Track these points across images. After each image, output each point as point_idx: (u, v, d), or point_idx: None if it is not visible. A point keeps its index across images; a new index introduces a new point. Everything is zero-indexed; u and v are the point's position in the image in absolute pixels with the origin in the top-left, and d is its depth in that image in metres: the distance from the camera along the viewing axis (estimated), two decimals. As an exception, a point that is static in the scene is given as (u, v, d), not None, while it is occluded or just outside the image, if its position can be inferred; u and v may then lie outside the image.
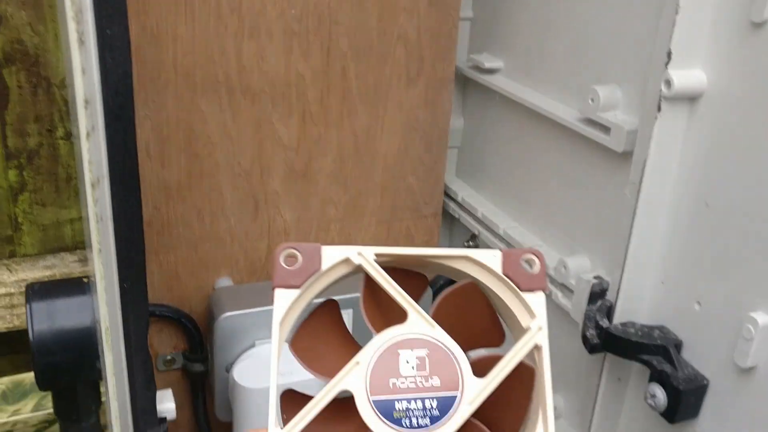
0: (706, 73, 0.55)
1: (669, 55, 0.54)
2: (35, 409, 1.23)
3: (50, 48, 1.06)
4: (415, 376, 0.29)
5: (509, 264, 0.31)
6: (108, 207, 0.41)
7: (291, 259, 0.29)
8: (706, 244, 0.57)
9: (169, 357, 0.84)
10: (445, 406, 0.28)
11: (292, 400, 0.28)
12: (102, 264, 0.43)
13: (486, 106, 0.87)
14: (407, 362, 0.29)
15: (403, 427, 0.28)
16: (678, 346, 0.59)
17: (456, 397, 0.29)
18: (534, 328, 0.31)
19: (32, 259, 1.16)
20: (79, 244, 1.19)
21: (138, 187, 0.44)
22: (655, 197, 0.59)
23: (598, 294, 0.65)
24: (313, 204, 0.81)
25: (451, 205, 0.93)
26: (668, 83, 0.55)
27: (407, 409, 0.28)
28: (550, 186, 0.76)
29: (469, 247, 0.92)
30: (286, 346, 0.29)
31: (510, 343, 0.31)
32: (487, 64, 0.82)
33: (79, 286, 0.71)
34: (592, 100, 0.65)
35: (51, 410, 0.80)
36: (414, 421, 0.28)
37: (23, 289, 1.11)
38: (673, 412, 0.58)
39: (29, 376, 1.05)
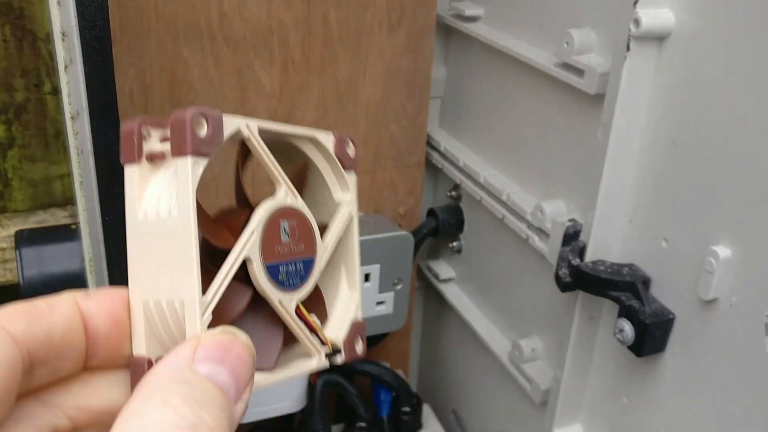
0: (674, 13, 0.56)
1: (638, -5, 0.55)
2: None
3: (35, 0, 1.06)
4: (290, 244, 0.32)
5: (339, 146, 0.35)
6: (88, 140, 0.43)
7: (199, 126, 0.28)
8: (674, 183, 0.59)
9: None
10: (307, 267, 0.33)
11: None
12: (84, 196, 0.44)
13: (468, 55, 0.87)
14: (285, 231, 0.32)
15: (284, 287, 0.31)
16: (646, 282, 0.61)
17: (313, 259, 0.33)
18: (349, 199, 0.36)
19: (23, 215, 1.17)
20: (69, 200, 1.21)
21: (117, 121, 0.45)
22: (625, 137, 0.61)
23: (572, 236, 0.67)
24: (296, 152, 0.82)
25: (435, 155, 0.94)
26: (636, 22, 0.56)
27: (286, 271, 0.32)
28: (529, 133, 0.78)
29: (452, 197, 0.94)
30: None
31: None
32: (468, 12, 0.83)
33: (67, 232, 0.72)
34: (567, 43, 0.66)
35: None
36: (290, 281, 0.32)
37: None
38: (640, 346, 0.60)
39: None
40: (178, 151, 0.28)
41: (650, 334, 0.59)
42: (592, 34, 0.65)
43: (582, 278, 0.63)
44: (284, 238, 0.32)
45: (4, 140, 1.12)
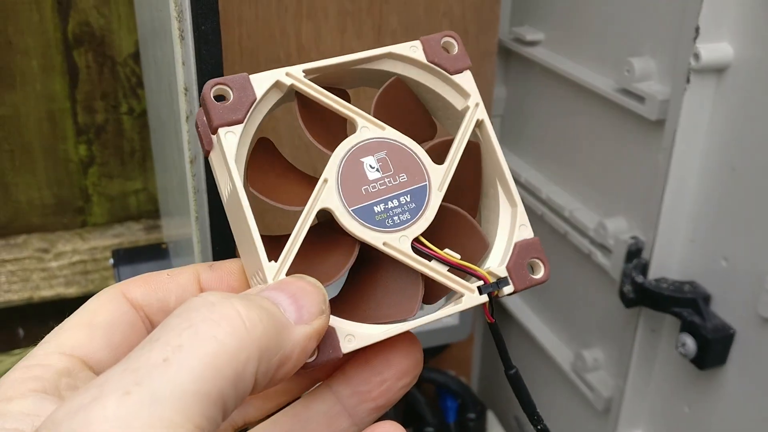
0: (732, 46, 0.59)
1: (697, 30, 0.59)
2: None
3: (114, 29, 1.13)
4: (383, 178, 0.29)
5: (431, 51, 0.31)
6: (203, 180, 0.48)
7: (222, 95, 0.28)
8: (733, 206, 0.62)
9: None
10: (419, 197, 0.29)
11: (270, 244, 0.28)
12: (198, 230, 0.49)
13: (527, 76, 0.91)
14: (371, 167, 0.29)
15: (387, 227, 0.28)
16: (707, 299, 0.65)
17: (425, 185, 0.29)
18: (472, 105, 0.31)
19: (102, 228, 1.25)
20: (143, 213, 1.28)
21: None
22: (686, 162, 0.64)
23: (634, 253, 0.71)
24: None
25: (495, 171, 0.98)
26: (696, 56, 0.59)
27: (386, 209, 0.28)
28: (589, 152, 0.81)
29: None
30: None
31: (443, 134, 0.32)
32: (529, 37, 0.87)
33: (158, 251, 0.78)
34: (628, 71, 0.69)
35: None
36: (396, 219, 0.28)
37: (96, 256, 1.21)
38: (702, 359, 0.63)
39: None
40: (211, 128, 0.28)
41: (712, 349, 0.62)
42: (651, 62, 0.69)
43: (646, 295, 0.67)
44: (373, 175, 0.29)
45: (86, 159, 1.20)
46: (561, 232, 0.84)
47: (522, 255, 0.30)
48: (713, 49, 0.59)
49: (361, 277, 0.30)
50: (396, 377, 0.29)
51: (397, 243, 0.28)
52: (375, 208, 0.28)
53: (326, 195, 0.28)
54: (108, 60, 1.15)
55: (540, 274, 0.30)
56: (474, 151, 0.32)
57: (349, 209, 0.28)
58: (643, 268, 0.69)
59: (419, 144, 0.30)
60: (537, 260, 0.30)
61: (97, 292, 0.29)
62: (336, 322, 0.27)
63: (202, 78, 0.44)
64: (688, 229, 0.67)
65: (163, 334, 0.21)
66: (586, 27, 0.79)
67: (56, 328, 0.27)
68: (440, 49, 0.31)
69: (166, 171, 0.78)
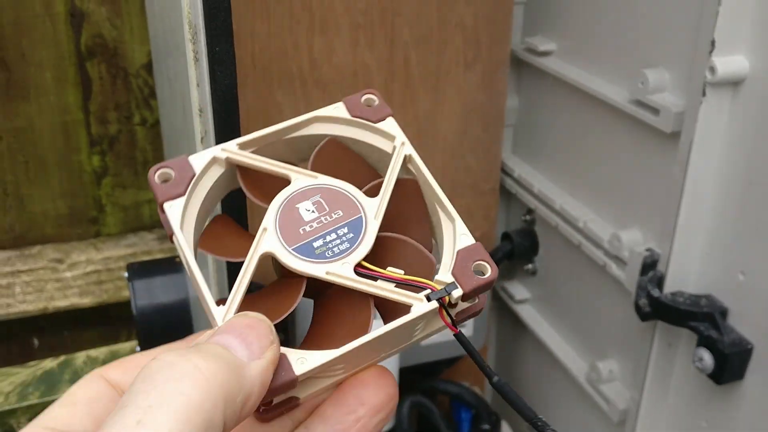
0: (748, 59, 0.59)
1: (713, 43, 0.58)
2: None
3: (127, 40, 1.13)
4: (319, 217, 0.31)
5: (353, 108, 0.33)
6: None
7: (164, 176, 0.30)
8: (750, 220, 0.61)
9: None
10: (356, 227, 0.31)
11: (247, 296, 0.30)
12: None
13: (540, 86, 0.91)
14: (307, 210, 0.31)
15: (328, 257, 0.30)
16: (724, 313, 0.64)
17: (361, 216, 0.31)
18: (398, 144, 0.33)
19: (115, 238, 1.26)
20: (156, 223, 1.28)
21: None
22: (702, 175, 0.64)
23: (649, 265, 0.70)
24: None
25: (508, 181, 0.98)
26: (712, 70, 0.59)
27: (325, 243, 0.30)
28: (603, 163, 0.81)
29: (526, 222, 0.97)
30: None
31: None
32: (541, 47, 0.87)
33: (171, 265, 0.78)
34: (642, 83, 0.69)
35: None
36: (336, 249, 0.30)
37: (110, 266, 1.21)
38: (719, 374, 0.63)
39: (123, 347, 1.14)
40: (158, 205, 0.30)
41: (729, 364, 0.62)
42: (665, 73, 0.68)
43: (662, 309, 0.66)
44: (309, 216, 0.31)
45: (99, 169, 1.20)
46: (575, 243, 0.84)
47: (465, 259, 0.31)
48: (729, 62, 0.59)
49: (320, 313, 0.32)
50: (370, 414, 0.30)
51: (340, 269, 0.30)
52: (314, 243, 0.30)
53: (266, 241, 0.30)
54: (121, 71, 1.15)
55: (488, 274, 0.31)
56: (412, 188, 0.33)
57: (289, 249, 0.30)
58: (659, 281, 0.69)
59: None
60: (482, 262, 0.31)
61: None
62: (286, 350, 0.28)
63: (217, 99, 0.44)
64: (705, 242, 0.66)
65: (131, 399, 0.23)
66: (598, 38, 0.79)
67: (41, 414, 0.28)
68: (362, 105, 0.33)
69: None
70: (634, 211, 0.76)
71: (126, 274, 0.77)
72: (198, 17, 0.43)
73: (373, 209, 0.31)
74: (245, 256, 0.30)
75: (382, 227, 0.31)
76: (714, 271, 0.66)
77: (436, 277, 0.31)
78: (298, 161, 0.34)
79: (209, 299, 0.29)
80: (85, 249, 1.21)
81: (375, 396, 0.30)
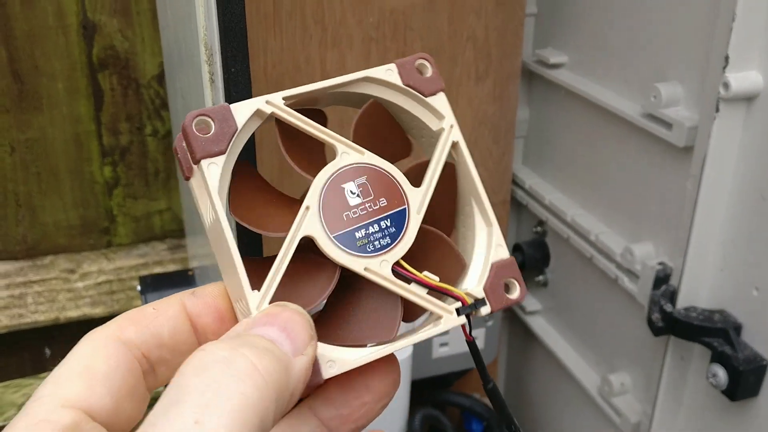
0: (762, 75, 0.59)
1: (726, 59, 0.58)
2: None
3: (138, 51, 1.14)
4: (363, 203, 0.29)
5: (406, 74, 0.31)
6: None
7: (203, 127, 0.28)
8: (764, 234, 0.61)
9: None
10: (399, 221, 0.29)
11: (251, 267, 0.28)
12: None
13: (551, 98, 0.91)
14: (352, 193, 0.29)
15: (368, 252, 0.29)
16: (737, 328, 0.64)
17: (404, 209, 0.30)
18: (446, 126, 0.31)
19: (127, 248, 1.26)
20: (168, 233, 1.29)
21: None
22: (715, 189, 0.63)
23: (662, 279, 0.70)
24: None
25: (519, 192, 0.98)
26: (726, 86, 0.59)
27: (367, 234, 0.29)
28: (615, 175, 0.81)
29: (537, 233, 0.97)
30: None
31: (419, 154, 0.32)
32: (552, 60, 0.87)
33: (185, 277, 0.79)
34: (654, 97, 0.69)
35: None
36: (377, 243, 0.29)
37: (121, 276, 1.22)
38: (733, 391, 0.63)
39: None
40: (193, 159, 0.28)
41: (744, 380, 0.62)
42: (678, 88, 0.68)
43: (675, 324, 0.66)
44: (353, 201, 0.29)
45: (111, 180, 1.21)
46: (587, 255, 0.84)
47: (499, 275, 0.30)
48: (743, 78, 0.59)
49: (341, 299, 0.30)
50: (375, 400, 0.30)
51: (378, 268, 0.28)
52: (356, 233, 0.29)
53: (308, 222, 0.28)
54: (132, 82, 1.16)
55: (515, 294, 0.30)
56: (448, 172, 0.32)
57: (331, 236, 0.28)
58: (672, 296, 0.68)
59: (396, 162, 0.31)
60: (513, 280, 0.30)
61: (122, 311, 0.29)
62: (319, 347, 0.27)
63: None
64: (718, 257, 0.66)
65: (186, 395, 0.22)
66: (610, 50, 0.79)
67: (51, 379, 0.27)
68: (415, 72, 0.31)
69: (191, 191, 0.78)
70: (647, 225, 0.76)
71: (138, 287, 0.77)
72: (214, 39, 0.43)
73: (417, 201, 0.30)
74: (281, 229, 0.28)
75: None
76: (727, 286, 0.66)
77: (467, 287, 0.30)
78: (327, 105, 0.32)
79: (245, 281, 0.27)
80: (96, 259, 1.22)
81: (381, 383, 0.30)
